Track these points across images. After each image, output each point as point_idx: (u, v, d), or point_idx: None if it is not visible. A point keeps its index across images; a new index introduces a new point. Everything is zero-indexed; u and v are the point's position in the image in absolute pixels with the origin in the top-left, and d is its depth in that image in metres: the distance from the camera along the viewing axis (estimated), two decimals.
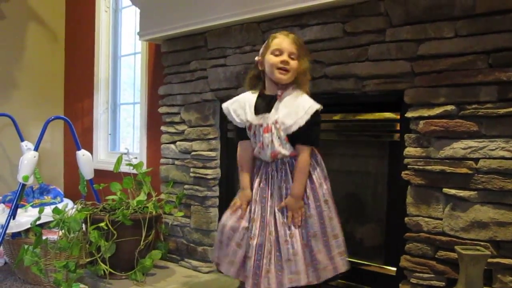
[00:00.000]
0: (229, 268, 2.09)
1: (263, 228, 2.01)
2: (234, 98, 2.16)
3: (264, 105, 2.05)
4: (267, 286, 1.93)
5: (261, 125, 2.03)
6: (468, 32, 1.90)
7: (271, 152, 2.01)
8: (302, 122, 1.94)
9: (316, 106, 1.96)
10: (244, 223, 2.06)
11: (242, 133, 2.12)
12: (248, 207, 2.09)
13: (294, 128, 1.95)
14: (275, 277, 1.94)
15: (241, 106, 2.10)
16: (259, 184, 2.07)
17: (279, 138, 2.00)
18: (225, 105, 2.16)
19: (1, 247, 3.08)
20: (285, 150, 2.00)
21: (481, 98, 1.88)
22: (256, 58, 2.12)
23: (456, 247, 1.83)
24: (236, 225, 2.07)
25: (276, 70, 1.99)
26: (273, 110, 2.01)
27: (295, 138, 1.98)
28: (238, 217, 2.09)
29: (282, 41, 2.01)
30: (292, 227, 1.98)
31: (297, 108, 1.96)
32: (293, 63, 1.99)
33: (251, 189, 2.10)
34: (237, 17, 2.61)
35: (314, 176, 2.02)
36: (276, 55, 2.00)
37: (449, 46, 1.94)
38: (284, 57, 1.98)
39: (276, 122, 1.99)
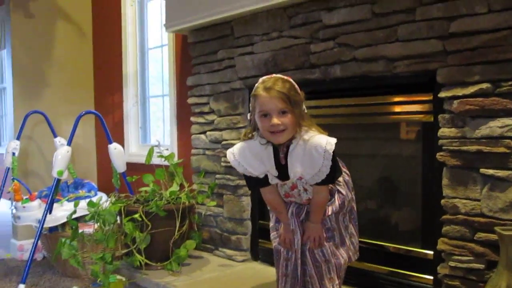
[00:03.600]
0: None
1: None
2: (239, 148, 1.95)
3: (277, 160, 1.91)
4: None
5: (285, 183, 1.97)
6: (502, 6, 1.84)
7: (306, 199, 1.99)
8: (326, 170, 1.81)
9: (331, 146, 1.78)
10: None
11: (259, 181, 1.98)
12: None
13: (321, 178, 1.84)
14: None
15: (256, 158, 1.92)
16: (293, 215, 2.02)
17: (307, 190, 1.96)
18: (232, 158, 1.95)
19: (39, 241, 3.14)
20: None
21: None
22: (248, 117, 1.95)
23: (496, 228, 1.78)
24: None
25: (269, 134, 1.83)
26: (289, 165, 1.87)
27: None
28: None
29: (266, 101, 1.79)
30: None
31: (312, 156, 1.81)
32: (287, 120, 1.79)
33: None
34: (263, 4, 2.58)
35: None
36: (265, 117, 1.81)
37: (483, 22, 1.89)
38: (274, 120, 1.78)
39: (300, 178, 1.91)
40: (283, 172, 1.91)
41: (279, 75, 1.87)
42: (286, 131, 1.81)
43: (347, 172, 2.12)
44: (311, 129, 1.86)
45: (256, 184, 2.01)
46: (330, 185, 1.97)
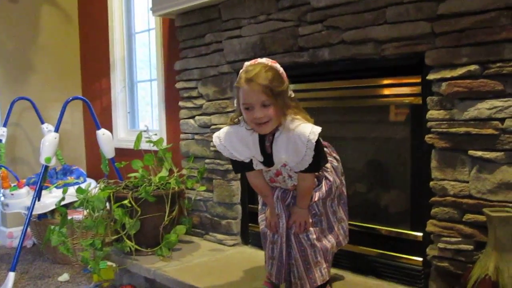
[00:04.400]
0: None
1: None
2: (225, 133, 1.94)
3: (263, 146, 1.90)
4: None
5: (269, 169, 1.97)
6: None
7: (291, 186, 1.99)
8: (309, 160, 1.80)
9: (314, 136, 1.77)
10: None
11: (244, 166, 1.98)
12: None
13: (304, 166, 1.83)
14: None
15: (242, 143, 1.91)
16: (278, 198, 2.03)
17: (291, 177, 1.95)
18: (217, 142, 1.95)
19: (29, 228, 3.13)
20: None
21: (506, 56, 1.81)
22: (234, 103, 1.94)
23: (484, 209, 1.79)
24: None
25: (254, 125, 1.82)
26: (274, 153, 1.87)
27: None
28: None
29: (248, 94, 1.76)
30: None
31: (296, 145, 1.81)
32: (269, 112, 1.77)
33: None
34: None
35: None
36: (248, 109, 1.79)
37: (471, 4, 1.87)
38: (256, 113, 1.76)
39: (284, 165, 1.91)
40: (268, 158, 1.91)
41: (263, 61, 1.84)
42: (270, 122, 1.79)
43: (337, 157, 2.12)
44: (297, 116, 1.85)
45: (241, 168, 2.02)
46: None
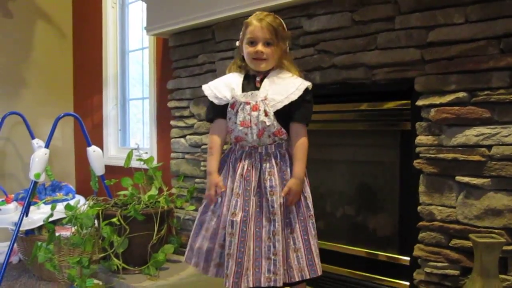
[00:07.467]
0: (207, 267, 2.02)
1: (245, 224, 1.88)
2: (216, 79, 2.09)
3: (252, 84, 1.98)
4: (246, 285, 1.86)
5: (248, 103, 1.93)
6: (479, 17, 1.87)
7: (258, 131, 1.91)
8: (294, 97, 1.89)
9: (307, 83, 1.93)
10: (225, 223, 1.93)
11: (219, 110, 2.00)
12: (229, 200, 1.95)
13: (286, 102, 1.89)
14: (253, 275, 1.87)
15: (225, 84, 2.01)
16: (242, 177, 1.93)
17: (267, 115, 1.90)
18: (205, 85, 2.07)
19: (15, 244, 3.10)
20: (273, 127, 1.90)
21: (493, 84, 1.85)
22: (237, 43, 2.04)
23: (470, 235, 1.81)
24: (215, 226, 1.98)
25: (252, 60, 1.95)
26: (261, 88, 1.94)
27: (289, 116, 1.92)
28: (216, 214, 1.99)
29: (255, 29, 1.93)
30: (276, 224, 1.87)
31: (287, 85, 1.93)
32: (269, 51, 1.92)
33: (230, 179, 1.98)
34: (244, 9, 2.59)
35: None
36: (251, 44, 1.94)
37: (460, 32, 1.92)
38: (259, 47, 1.92)
39: (265, 98, 1.91)
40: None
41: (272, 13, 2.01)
42: (267, 60, 1.94)
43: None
44: (291, 70, 2.00)
45: (214, 113, 2.04)
46: None
